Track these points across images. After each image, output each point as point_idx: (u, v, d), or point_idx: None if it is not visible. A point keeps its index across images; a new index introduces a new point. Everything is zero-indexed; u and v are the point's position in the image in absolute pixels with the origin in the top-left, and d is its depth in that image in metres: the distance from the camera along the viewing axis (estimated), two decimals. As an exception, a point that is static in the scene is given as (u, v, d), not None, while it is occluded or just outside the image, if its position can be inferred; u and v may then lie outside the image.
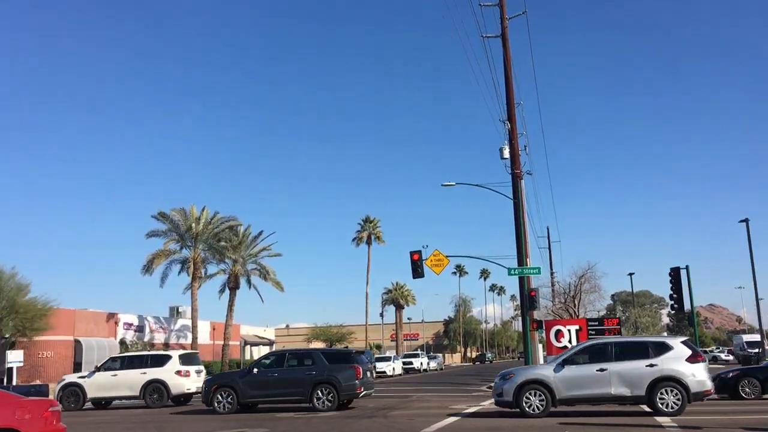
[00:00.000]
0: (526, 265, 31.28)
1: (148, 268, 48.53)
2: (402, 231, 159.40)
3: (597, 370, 14.88)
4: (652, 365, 14.63)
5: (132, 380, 23.00)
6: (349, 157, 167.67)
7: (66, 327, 43.03)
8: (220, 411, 19.16)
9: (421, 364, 58.59)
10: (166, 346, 52.75)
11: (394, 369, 50.49)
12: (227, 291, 51.85)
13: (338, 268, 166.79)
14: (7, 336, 38.24)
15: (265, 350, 76.36)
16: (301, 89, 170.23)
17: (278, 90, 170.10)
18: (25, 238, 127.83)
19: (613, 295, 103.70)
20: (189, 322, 50.91)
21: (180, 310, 57.83)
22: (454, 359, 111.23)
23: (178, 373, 22.65)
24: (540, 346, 35.67)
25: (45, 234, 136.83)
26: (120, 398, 23.91)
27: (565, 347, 32.95)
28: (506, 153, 31.52)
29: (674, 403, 14.37)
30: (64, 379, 24.53)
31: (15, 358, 33.40)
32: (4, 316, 35.29)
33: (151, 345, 49.48)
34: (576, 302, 45.29)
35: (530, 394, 15.04)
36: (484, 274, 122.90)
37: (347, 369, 18.75)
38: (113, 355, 26.33)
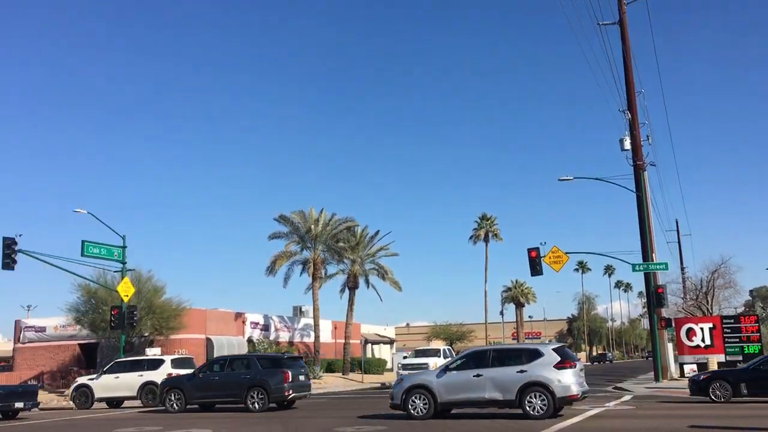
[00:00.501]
0: (652, 260, 29.91)
1: (271, 270, 50.42)
2: (519, 228, 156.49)
3: (474, 376, 15.87)
4: (522, 371, 15.47)
5: (131, 382, 24.88)
6: (464, 155, 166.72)
7: (198, 326, 45.41)
8: (170, 410, 21.21)
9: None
10: (291, 344, 54.57)
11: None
12: (347, 291, 52.94)
13: (456, 267, 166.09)
14: (146, 335, 40.94)
15: (386, 349, 77.35)
16: (408, 83, 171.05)
17: (392, 90, 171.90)
18: (159, 242, 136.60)
19: (751, 291, 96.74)
20: (311, 321, 52.38)
21: (303, 309, 59.59)
22: (580, 358, 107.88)
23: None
24: (670, 345, 33.92)
25: (177, 238, 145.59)
26: (122, 398, 25.74)
27: (697, 346, 31.20)
28: (627, 144, 30.32)
29: (541, 407, 15.12)
30: (77, 381, 26.66)
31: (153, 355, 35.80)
32: (143, 316, 37.70)
33: (276, 343, 51.26)
34: (709, 299, 42.69)
35: (415, 397, 16.16)
36: (609, 270, 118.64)
37: (278, 373, 20.43)
38: (119, 359, 28.21)
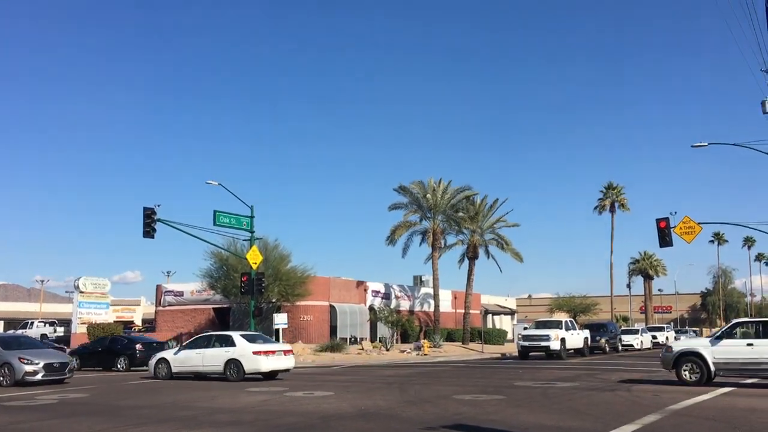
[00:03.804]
0: (797, 230, 27.67)
1: (391, 240, 51.09)
2: (649, 197, 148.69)
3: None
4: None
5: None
6: (588, 121, 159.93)
7: (322, 293, 46.91)
8: None
9: (667, 338, 54.64)
10: (411, 313, 55.34)
11: (641, 342, 47.86)
12: (466, 261, 52.80)
13: (580, 238, 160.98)
14: (273, 300, 42.87)
15: (506, 320, 76.82)
16: (538, 52, 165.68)
17: (519, 62, 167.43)
18: (283, 211, 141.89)
19: None
20: (431, 291, 52.77)
21: (423, 279, 60.12)
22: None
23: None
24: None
25: (301, 208, 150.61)
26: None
27: None
28: (769, 106, 28.02)
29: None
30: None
31: (281, 320, 37.34)
32: (270, 283, 39.43)
33: (397, 312, 52.11)
34: None
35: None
36: (748, 242, 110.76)
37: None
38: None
